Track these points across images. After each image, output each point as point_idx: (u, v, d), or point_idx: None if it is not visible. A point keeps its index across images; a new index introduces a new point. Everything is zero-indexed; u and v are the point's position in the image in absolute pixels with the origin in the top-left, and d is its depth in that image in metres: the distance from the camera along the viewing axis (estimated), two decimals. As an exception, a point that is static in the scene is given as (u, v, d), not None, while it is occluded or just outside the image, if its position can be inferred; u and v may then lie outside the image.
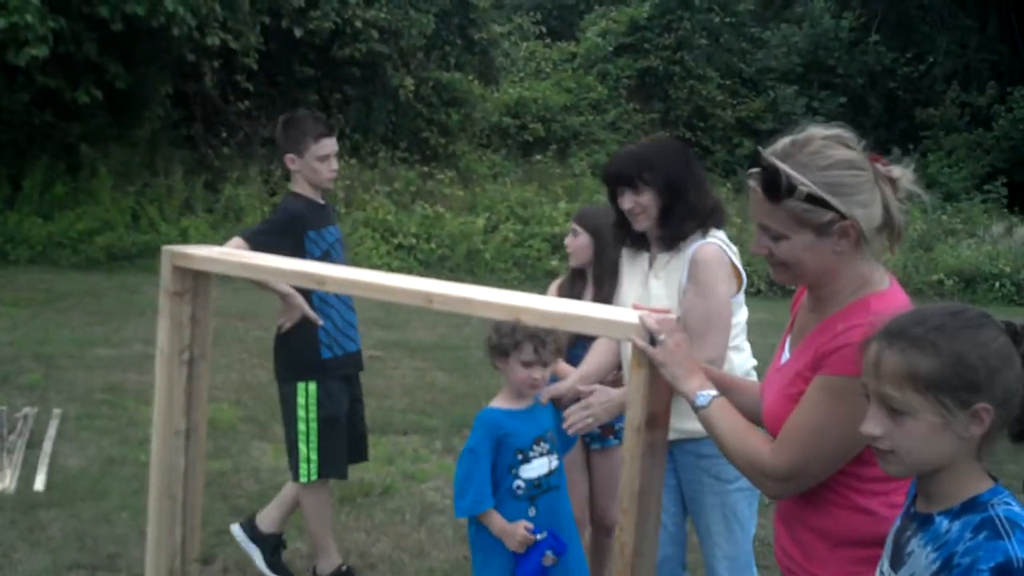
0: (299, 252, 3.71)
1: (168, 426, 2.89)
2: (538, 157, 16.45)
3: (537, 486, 3.09)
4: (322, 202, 4.01)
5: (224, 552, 4.27)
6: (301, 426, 3.89)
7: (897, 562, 1.72)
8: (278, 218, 4.00)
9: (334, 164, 3.92)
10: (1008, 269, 15.09)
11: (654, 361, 2.04)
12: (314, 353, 3.88)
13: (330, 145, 3.89)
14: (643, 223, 3.16)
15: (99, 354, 7.81)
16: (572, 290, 3.83)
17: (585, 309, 2.40)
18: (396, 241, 11.63)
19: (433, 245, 11.81)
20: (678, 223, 3.11)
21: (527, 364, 3.06)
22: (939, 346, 1.59)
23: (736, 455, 2.02)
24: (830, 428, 1.88)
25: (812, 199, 1.89)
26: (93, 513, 4.64)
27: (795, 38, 24.45)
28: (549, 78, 20.15)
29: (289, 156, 3.90)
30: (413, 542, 4.61)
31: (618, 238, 3.34)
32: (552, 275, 12.40)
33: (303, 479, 3.94)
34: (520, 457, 3.07)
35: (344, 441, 3.98)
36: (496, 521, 3.02)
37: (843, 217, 1.90)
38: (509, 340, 3.06)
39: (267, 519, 4.13)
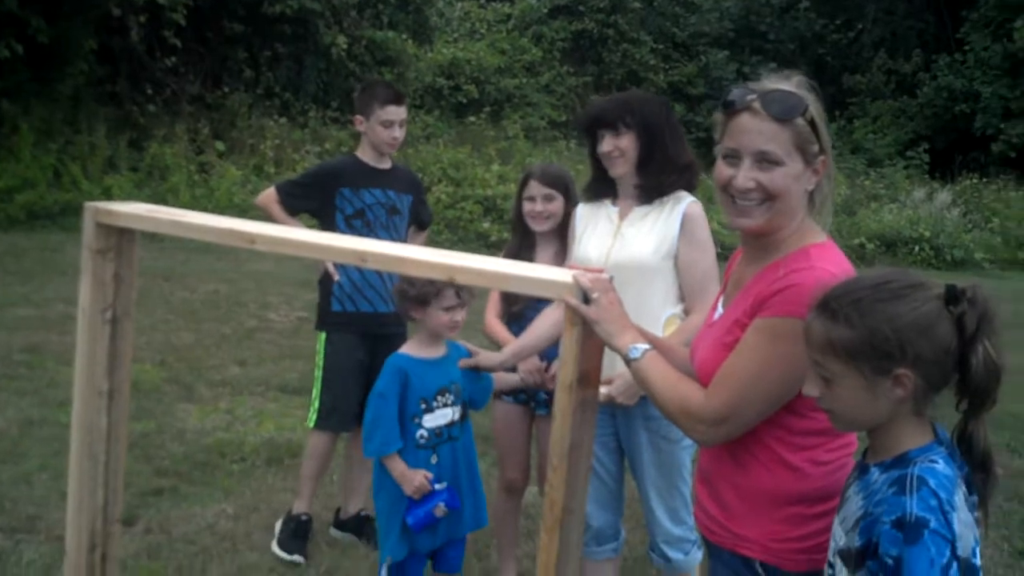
0: (328, 206, 3.94)
1: (90, 386, 2.83)
2: (472, 119, 16.35)
3: (439, 435, 3.14)
4: (381, 166, 4.08)
5: (147, 513, 4.23)
6: (316, 372, 4.14)
7: (840, 505, 1.83)
8: (311, 171, 4.32)
9: (396, 132, 4.00)
10: (928, 234, 15.48)
11: (587, 319, 2.04)
12: (327, 305, 4.11)
13: (395, 112, 3.99)
14: (620, 167, 3.21)
15: (19, 314, 7.63)
16: (523, 255, 3.76)
17: (520, 269, 2.39)
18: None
19: (364, 206, 11.69)
20: (656, 172, 3.20)
21: (449, 308, 3.10)
22: (853, 319, 1.69)
23: (669, 403, 2.03)
24: (767, 369, 1.90)
25: (812, 123, 1.97)
26: (12, 475, 4.54)
27: (727, 3, 24.66)
28: (483, 39, 20.02)
29: (358, 118, 4.06)
30: (340, 502, 4.59)
31: (590, 191, 3.36)
32: (484, 237, 12.41)
33: (308, 423, 4.17)
34: (424, 407, 3.11)
35: (349, 397, 4.02)
36: (397, 465, 3.07)
37: (822, 151, 2.00)
38: (431, 288, 3.08)
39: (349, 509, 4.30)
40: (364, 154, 4.06)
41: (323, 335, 4.14)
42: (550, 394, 3.68)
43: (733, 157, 2.02)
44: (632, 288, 3.01)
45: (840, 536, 1.75)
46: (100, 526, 2.95)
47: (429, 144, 14.57)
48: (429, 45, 16.96)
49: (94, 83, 13.24)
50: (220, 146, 12.30)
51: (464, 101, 17.64)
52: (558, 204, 3.64)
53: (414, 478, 3.06)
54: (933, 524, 1.58)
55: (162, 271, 9.23)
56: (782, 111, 1.95)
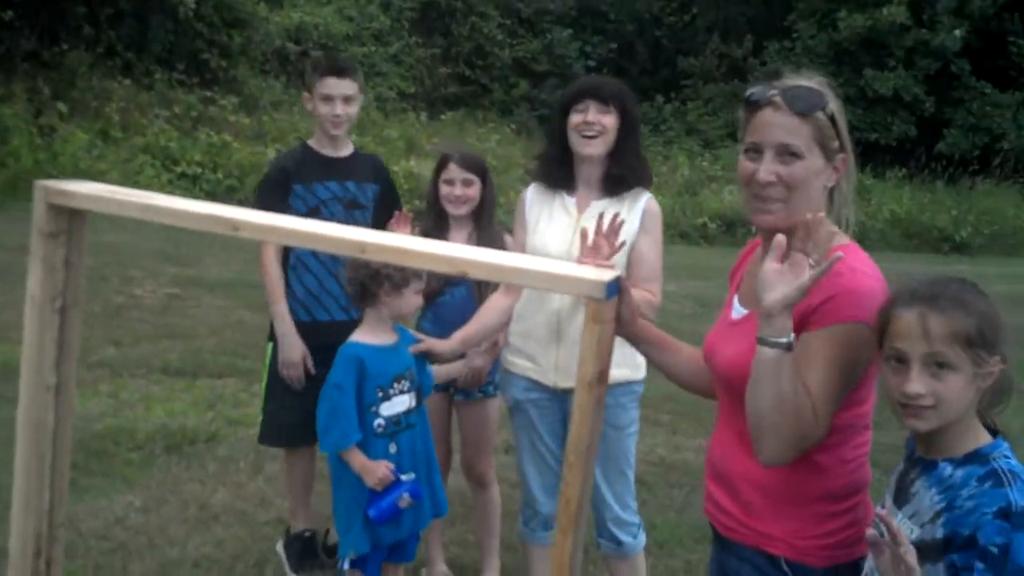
0: (284, 209, 3.44)
1: (38, 381, 2.58)
2: (322, 87, 15.94)
3: (397, 423, 3.10)
4: (337, 154, 3.73)
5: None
6: (262, 385, 3.79)
7: (901, 500, 1.86)
8: (264, 179, 3.81)
9: (338, 108, 3.61)
10: (764, 214, 16.18)
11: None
12: None
13: (334, 85, 3.60)
14: (596, 147, 3.19)
15: None
16: (437, 237, 3.68)
17: (539, 264, 2.35)
18: (179, 170, 10.97)
19: (220, 175, 11.24)
20: (630, 164, 3.22)
21: (390, 294, 3.06)
22: (971, 305, 1.76)
23: (785, 413, 1.90)
24: (844, 377, 1.92)
25: (833, 119, 2.00)
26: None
27: (570, -19, 24.89)
28: (331, 4, 19.50)
29: (305, 95, 3.76)
30: (254, 491, 4.44)
31: (547, 175, 3.32)
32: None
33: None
34: (380, 395, 3.06)
35: (295, 412, 3.62)
36: (357, 458, 3.01)
37: (842, 149, 2.03)
38: (410, 272, 3.02)
39: None
40: (318, 141, 3.72)
41: (271, 345, 3.74)
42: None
43: (755, 152, 2.03)
44: None
45: (911, 529, 1.80)
46: (45, 530, 2.73)
47: (282, 112, 14.14)
48: (278, 7, 16.38)
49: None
50: (62, 108, 11.51)
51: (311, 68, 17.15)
52: (476, 189, 3.63)
53: (376, 470, 2.99)
54: None
55: (18, 244, 8.61)
56: (804, 106, 1.98)
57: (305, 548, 3.79)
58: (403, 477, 3.04)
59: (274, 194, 3.60)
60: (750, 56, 25.52)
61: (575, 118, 3.18)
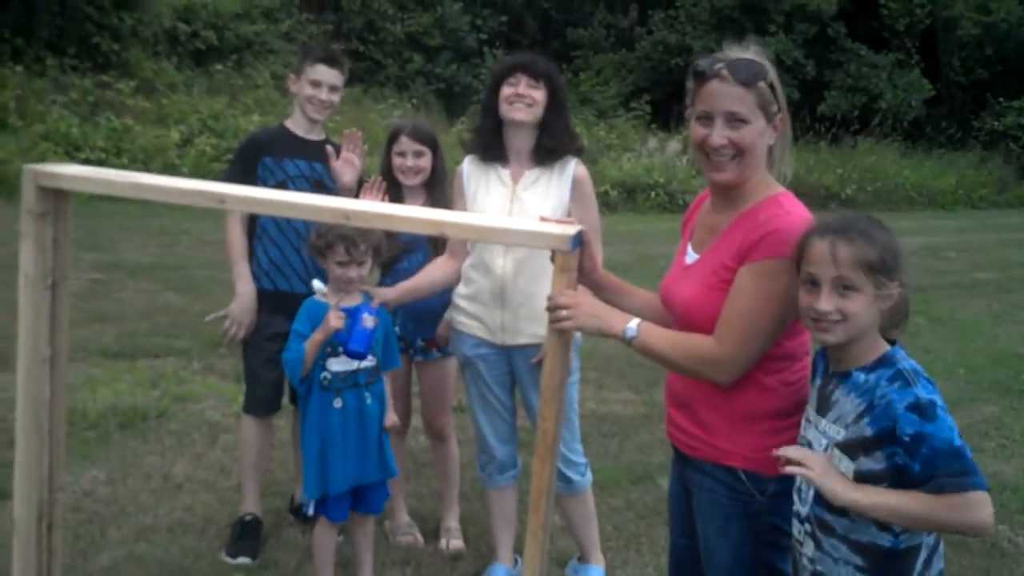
0: (252, 178, 3.68)
1: (35, 354, 2.76)
2: (218, 67, 15.75)
3: (343, 379, 3.31)
4: (310, 136, 3.90)
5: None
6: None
7: (824, 410, 2.19)
8: (238, 147, 4.02)
9: (323, 95, 3.81)
10: (662, 180, 16.68)
11: (575, 328, 2.28)
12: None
13: (324, 73, 3.81)
14: (526, 114, 3.37)
15: None
16: None
17: (508, 222, 2.60)
18: (83, 156, 10.79)
19: (125, 160, 11.10)
20: (558, 136, 3.41)
21: (341, 264, 3.28)
22: (876, 238, 2.08)
23: (684, 360, 2.31)
24: (767, 306, 2.22)
25: (772, 86, 2.30)
26: None
27: (458, -47, 24.88)
28: (219, -19, 19.15)
29: (291, 77, 3.92)
30: (213, 461, 4.60)
31: (481, 148, 3.51)
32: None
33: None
34: (329, 351, 3.27)
35: (268, 379, 3.82)
36: (314, 337, 3.21)
37: (780, 110, 2.33)
38: (323, 241, 3.26)
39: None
40: (294, 123, 3.91)
41: None
42: (426, 341, 3.93)
43: (706, 119, 2.34)
44: (532, 250, 3.29)
45: (836, 432, 2.13)
46: (46, 495, 2.88)
47: (181, 94, 13.96)
48: (167, -13, 16.07)
49: None
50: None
51: (203, 48, 16.91)
52: (427, 159, 3.83)
53: (328, 319, 3.19)
54: (939, 403, 2.01)
55: None
56: (747, 77, 2.28)
57: (243, 532, 3.84)
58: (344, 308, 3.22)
59: (242, 162, 3.83)
60: (636, 25, 26.02)
61: (506, 90, 3.38)
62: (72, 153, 10.81)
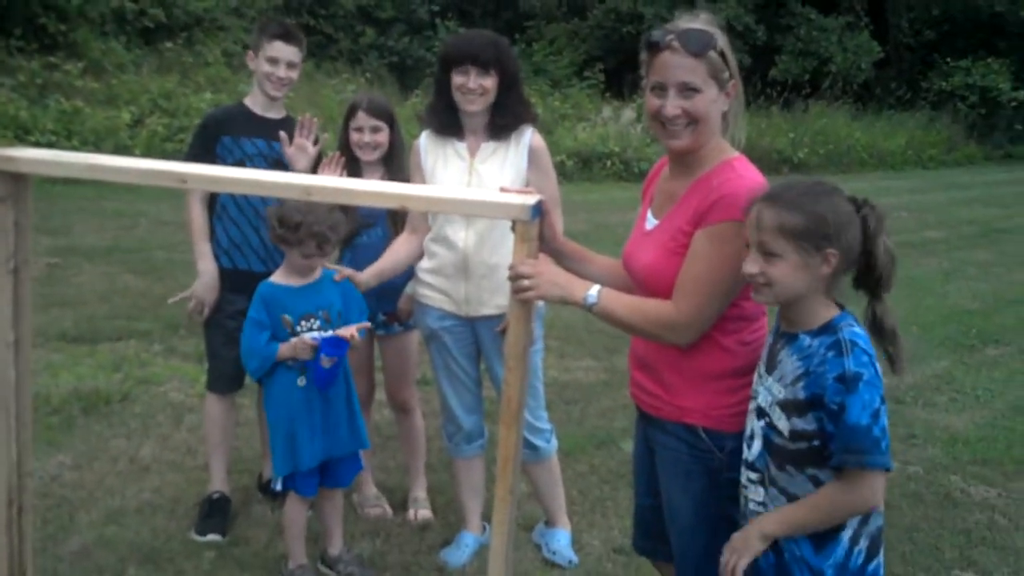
0: (211, 158, 3.66)
1: (0, 338, 2.77)
2: (168, 45, 15.51)
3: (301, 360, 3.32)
4: (269, 115, 3.87)
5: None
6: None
7: (771, 367, 2.27)
8: (196, 126, 3.98)
9: (281, 72, 3.78)
10: (617, 149, 16.74)
11: (536, 298, 2.31)
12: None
13: (281, 49, 3.77)
14: (479, 104, 3.41)
15: None
16: None
17: (470, 194, 2.64)
18: (32, 139, 10.59)
19: (76, 142, 10.93)
20: (512, 112, 3.43)
21: (308, 256, 3.29)
22: (803, 206, 2.13)
23: (643, 324, 2.37)
24: (721, 269, 2.29)
25: (722, 54, 2.36)
26: None
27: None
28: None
29: (250, 53, 3.87)
30: (179, 442, 4.61)
31: (436, 124, 3.53)
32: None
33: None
34: (288, 331, 3.30)
35: (229, 356, 3.76)
36: (282, 350, 3.27)
37: (731, 77, 2.38)
38: (293, 236, 3.26)
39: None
40: (252, 100, 3.88)
41: None
42: (388, 315, 3.96)
43: (660, 89, 2.39)
44: (492, 220, 3.32)
45: (778, 390, 2.20)
46: (15, 480, 2.89)
47: (131, 74, 13.73)
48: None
49: None
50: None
51: (152, 26, 16.61)
52: (384, 135, 3.85)
53: (300, 342, 3.25)
54: (867, 376, 2.07)
55: None
56: (698, 47, 2.34)
57: (211, 510, 3.87)
58: (316, 336, 3.28)
59: (201, 142, 3.81)
60: (589, -7, 25.95)
61: (457, 79, 3.39)
62: (22, 136, 10.63)
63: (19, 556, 2.89)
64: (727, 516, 2.41)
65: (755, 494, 2.27)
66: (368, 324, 3.43)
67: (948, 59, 24.09)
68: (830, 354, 2.11)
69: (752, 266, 2.16)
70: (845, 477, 2.10)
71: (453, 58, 3.42)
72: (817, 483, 2.15)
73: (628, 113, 17.89)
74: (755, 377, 2.34)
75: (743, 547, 2.22)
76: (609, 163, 16.53)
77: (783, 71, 22.82)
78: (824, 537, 2.17)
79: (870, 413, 2.05)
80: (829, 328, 2.17)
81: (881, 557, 2.23)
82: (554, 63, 23.61)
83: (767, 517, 2.22)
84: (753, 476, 2.28)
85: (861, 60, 23.48)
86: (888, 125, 22.20)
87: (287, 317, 3.29)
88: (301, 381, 3.33)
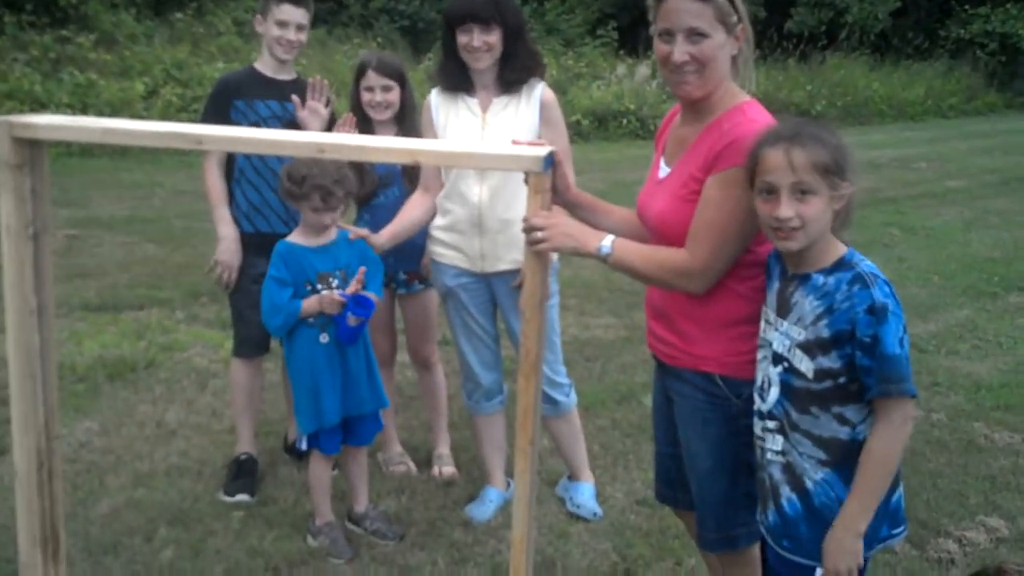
0: (225, 122, 3.65)
1: (23, 305, 2.79)
2: (178, 15, 15.48)
3: (328, 316, 3.35)
4: (280, 76, 3.87)
5: (12, 441, 4.11)
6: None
7: (784, 312, 2.24)
8: (209, 93, 3.96)
9: (291, 34, 3.78)
10: (633, 107, 16.63)
11: (550, 249, 2.29)
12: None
13: (290, 12, 3.77)
14: (486, 61, 3.41)
15: None
16: None
17: (481, 147, 2.64)
18: (48, 112, 10.66)
19: (91, 114, 10.97)
20: (521, 65, 3.43)
21: (316, 210, 3.31)
22: (825, 141, 2.12)
23: (657, 273, 2.37)
24: (734, 214, 2.27)
25: None
26: None
27: None
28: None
29: (258, 17, 3.87)
30: (204, 406, 4.67)
31: (445, 81, 3.53)
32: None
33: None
34: (309, 288, 3.34)
35: (253, 320, 3.74)
36: (310, 306, 3.30)
37: (740, 20, 2.36)
38: (298, 190, 3.28)
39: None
40: (262, 64, 3.88)
41: None
42: (409, 274, 3.98)
43: (668, 35, 2.37)
44: (506, 175, 3.33)
45: (798, 332, 2.19)
46: (44, 444, 2.94)
47: (143, 45, 13.73)
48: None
49: None
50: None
51: (161, -5, 16.59)
52: (395, 93, 3.84)
53: (327, 296, 3.29)
54: (892, 306, 2.07)
55: None
56: None
57: (239, 471, 3.92)
58: (343, 293, 3.31)
59: (215, 107, 3.80)
60: (599, -50, 25.64)
61: (462, 38, 3.40)
62: (37, 110, 10.68)
63: (51, 519, 2.94)
64: (745, 462, 2.42)
65: (773, 443, 2.27)
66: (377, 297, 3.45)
67: (966, 6, 23.71)
68: (855, 288, 2.09)
69: (787, 209, 2.11)
70: (883, 411, 2.08)
71: (454, 18, 3.42)
72: (843, 420, 2.14)
73: (643, 70, 17.75)
74: (762, 324, 2.33)
75: (841, 557, 2.13)
76: (625, 121, 16.43)
77: (799, 23, 22.54)
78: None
79: (899, 342, 2.05)
80: (843, 264, 2.16)
81: (901, 489, 2.25)
82: (567, 22, 23.40)
83: (845, 517, 2.12)
84: (771, 425, 2.27)
85: (878, 10, 23.14)
86: (906, 75, 21.93)
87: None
88: (324, 338, 3.36)
